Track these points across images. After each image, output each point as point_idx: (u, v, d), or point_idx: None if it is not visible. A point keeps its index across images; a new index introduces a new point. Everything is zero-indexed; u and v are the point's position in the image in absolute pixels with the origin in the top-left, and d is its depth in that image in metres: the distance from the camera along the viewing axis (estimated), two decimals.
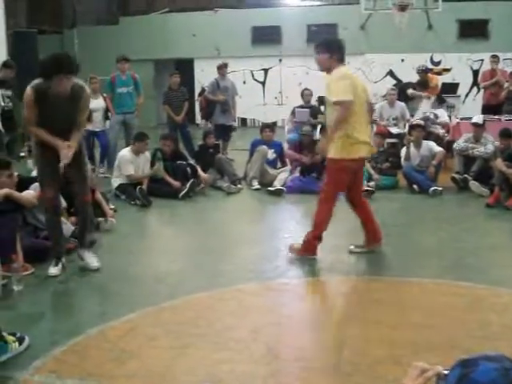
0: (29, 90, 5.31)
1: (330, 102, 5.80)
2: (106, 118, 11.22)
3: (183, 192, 8.89)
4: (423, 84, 12.59)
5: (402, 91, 12.84)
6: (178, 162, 9.55)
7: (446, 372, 1.33)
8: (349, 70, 6.12)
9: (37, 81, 5.34)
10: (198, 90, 20.24)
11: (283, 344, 4.22)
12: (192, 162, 10.00)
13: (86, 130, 11.04)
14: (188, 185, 8.96)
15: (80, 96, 5.43)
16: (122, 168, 8.96)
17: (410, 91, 12.48)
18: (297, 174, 9.70)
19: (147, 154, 9.22)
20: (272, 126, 10.75)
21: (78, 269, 5.69)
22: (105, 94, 11.18)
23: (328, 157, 5.92)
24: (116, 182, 9.04)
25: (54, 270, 5.52)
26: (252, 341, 4.14)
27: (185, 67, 19.98)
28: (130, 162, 8.94)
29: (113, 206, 7.89)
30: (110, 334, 4.27)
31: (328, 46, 6.03)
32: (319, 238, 6.00)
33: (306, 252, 5.96)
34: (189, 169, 9.48)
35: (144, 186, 8.82)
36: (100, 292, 5.26)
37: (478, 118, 9.99)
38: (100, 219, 7.10)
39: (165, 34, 21.19)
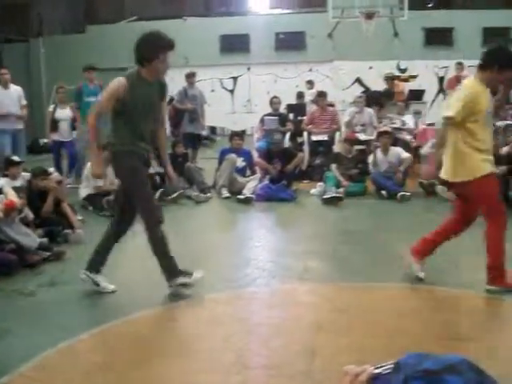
0: (118, 80, 4.99)
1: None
2: (73, 128, 11.10)
3: None
4: (389, 94, 12.73)
5: (371, 99, 12.95)
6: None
7: (377, 371, 1.32)
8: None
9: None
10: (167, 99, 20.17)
11: (253, 352, 4.21)
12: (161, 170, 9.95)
13: (53, 140, 11.03)
14: (157, 194, 8.91)
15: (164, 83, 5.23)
16: (90, 179, 8.87)
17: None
18: (266, 181, 9.72)
19: None
20: (241, 134, 10.77)
21: (46, 282, 5.62)
22: (71, 104, 11.07)
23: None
24: (84, 192, 8.95)
25: (200, 273, 5.20)
26: (222, 350, 4.13)
27: None
28: None
29: (81, 217, 7.81)
30: (79, 347, 4.22)
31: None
32: None
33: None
34: (158, 178, 9.44)
35: (112, 197, 8.72)
36: (68, 305, 5.16)
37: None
38: (67, 231, 7.03)
39: (133, 43, 21.01)
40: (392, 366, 1.30)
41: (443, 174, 5.38)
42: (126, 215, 5.42)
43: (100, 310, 4.93)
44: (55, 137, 11.01)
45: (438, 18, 20.23)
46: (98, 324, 4.56)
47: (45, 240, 6.55)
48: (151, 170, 9.86)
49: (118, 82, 4.99)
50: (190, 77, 12.56)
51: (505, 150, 8.99)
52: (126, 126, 5.04)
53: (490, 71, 5.21)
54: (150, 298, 5.17)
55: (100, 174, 5.52)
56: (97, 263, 5.35)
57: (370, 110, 11.94)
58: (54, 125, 10.98)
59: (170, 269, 5.17)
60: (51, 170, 10.55)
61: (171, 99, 12.65)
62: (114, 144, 5.13)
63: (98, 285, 5.29)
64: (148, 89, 5.09)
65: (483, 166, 5.21)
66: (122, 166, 5.14)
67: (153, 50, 4.96)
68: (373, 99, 12.80)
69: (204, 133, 13.09)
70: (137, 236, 5.75)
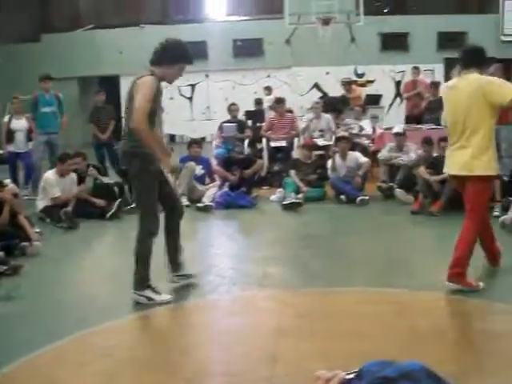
0: (151, 79, 5.05)
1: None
2: (29, 139, 10.95)
3: (111, 212, 8.77)
4: (344, 100, 12.87)
5: (328, 105, 13.04)
6: (106, 181, 9.44)
7: (348, 377, 1.33)
8: None
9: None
10: (124, 107, 20.01)
11: (216, 360, 4.20)
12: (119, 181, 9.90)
13: (9, 152, 10.87)
14: (115, 204, 8.83)
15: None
16: (47, 190, 8.76)
17: None
18: (225, 189, 9.71)
19: (73, 175, 9.04)
20: (200, 142, 10.74)
21: (2, 297, 5.51)
22: (27, 115, 10.92)
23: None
24: (41, 204, 8.81)
25: (167, 296, 5.27)
26: (185, 359, 4.11)
27: (111, 84, 19.78)
28: (55, 184, 8.74)
29: (38, 230, 7.69)
30: (38, 362, 4.13)
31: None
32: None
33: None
34: (116, 188, 9.37)
35: (70, 208, 8.64)
36: (26, 319, 5.06)
37: (398, 128, 10.25)
38: (24, 244, 6.91)
39: (90, 51, 20.96)
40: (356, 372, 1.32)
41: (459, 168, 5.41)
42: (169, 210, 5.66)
43: (60, 324, 4.83)
44: (11, 148, 10.86)
45: (394, 23, 20.50)
46: (59, 338, 4.47)
47: (1, 254, 6.43)
48: (110, 180, 9.83)
49: (151, 81, 5.06)
50: None
51: None
52: (152, 126, 5.11)
53: None
54: (113, 310, 5.11)
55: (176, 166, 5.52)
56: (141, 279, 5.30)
57: (327, 116, 12.01)
58: (10, 136, 10.83)
59: (142, 278, 5.23)
60: (7, 181, 10.41)
61: None
62: (140, 146, 5.08)
63: (151, 299, 5.20)
64: (161, 90, 5.29)
65: (495, 165, 5.36)
66: (147, 169, 5.17)
67: (180, 55, 5.28)
68: (330, 105, 12.90)
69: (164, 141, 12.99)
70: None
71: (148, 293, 5.19)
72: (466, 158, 5.25)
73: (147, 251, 5.27)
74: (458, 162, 5.36)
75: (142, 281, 5.23)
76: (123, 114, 5.40)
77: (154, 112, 5.09)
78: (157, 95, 5.11)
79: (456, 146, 5.38)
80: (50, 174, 8.97)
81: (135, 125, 4.97)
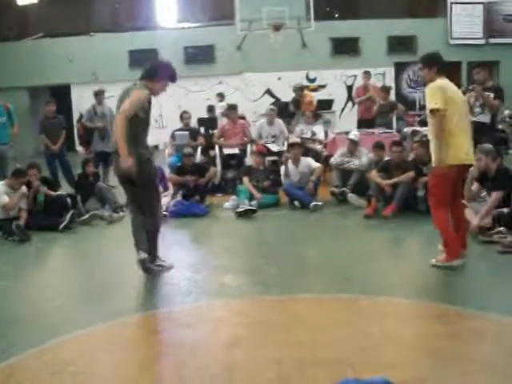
0: (145, 92, 5.88)
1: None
2: None
3: (63, 224, 8.62)
4: (296, 103, 12.94)
5: (282, 110, 13.09)
6: (58, 193, 9.31)
7: None
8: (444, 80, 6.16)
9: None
10: (76, 117, 19.80)
11: (171, 376, 4.15)
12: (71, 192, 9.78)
13: None
14: (68, 216, 8.70)
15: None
16: None
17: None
18: (179, 197, 9.65)
19: (24, 189, 8.86)
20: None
21: None
22: None
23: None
24: None
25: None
26: (139, 376, 4.06)
27: (62, 93, 19.58)
28: (3, 193, 8.55)
29: None
30: None
31: (424, 61, 6.23)
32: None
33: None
34: (68, 199, 9.24)
35: (22, 221, 8.48)
36: None
37: (354, 135, 10.27)
38: None
39: (40, 60, 20.73)
40: None
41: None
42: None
43: (12, 339, 4.72)
44: None
45: (345, 28, 20.75)
46: (11, 355, 4.36)
47: None
48: (62, 192, 9.70)
49: (144, 93, 5.88)
50: (99, 94, 12.36)
51: (411, 156, 9.25)
52: (144, 134, 6.04)
53: None
54: (64, 325, 5.00)
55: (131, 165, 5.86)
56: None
57: (280, 122, 12.05)
58: None
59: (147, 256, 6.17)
60: None
61: (81, 116, 12.48)
62: (139, 150, 5.91)
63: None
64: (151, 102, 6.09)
65: None
66: (146, 171, 6.03)
67: (165, 72, 6.15)
68: (281, 110, 12.95)
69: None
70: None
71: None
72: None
73: (143, 230, 6.23)
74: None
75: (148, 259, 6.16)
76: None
77: (145, 122, 5.99)
78: (148, 107, 5.97)
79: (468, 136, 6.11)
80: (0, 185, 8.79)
81: (116, 122, 5.78)
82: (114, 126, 5.93)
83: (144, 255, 6.09)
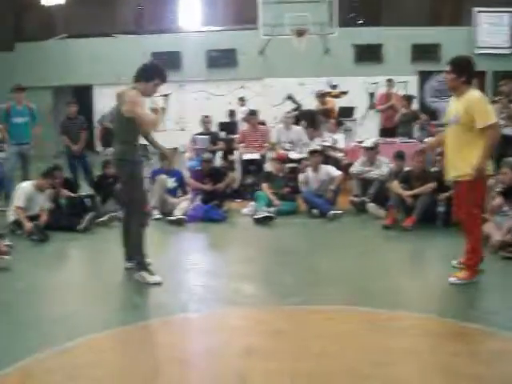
0: (135, 91, 6.09)
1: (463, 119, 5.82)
2: (0, 149, 10.79)
3: (82, 225, 8.64)
4: (326, 113, 12.81)
5: (303, 117, 12.97)
6: (77, 194, 9.35)
7: None
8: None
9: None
10: (97, 117, 19.86)
11: (185, 381, 4.13)
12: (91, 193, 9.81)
13: None
14: (87, 218, 8.71)
15: None
16: (16, 198, 8.62)
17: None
18: (198, 202, 9.64)
19: (48, 192, 8.91)
20: None
21: None
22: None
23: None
24: (12, 216, 8.65)
25: (157, 278, 6.19)
26: (153, 381, 4.04)
27: (84, 94, 19.66)
28: (25, 195, 8.59)
29: (8, 243, 7.54)
30: (5, 382, 4.03)
31: (455, 65, 5.96)
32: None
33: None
34: (88, 200, 9.27)
35: (41, 221, 8.51)
36: None
37: (369, 142, 10.23)
38: None
39: (63, 61, 20.82)
40: None
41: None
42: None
43: (30, 341, 4.73)
44: None
45: (368, 35, 20.64)
46: (28, 356, 4.37)
47: None
48: (82, 193, 9.73)
49: (136, 93, 6.12)
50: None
51: (433, 167, 9.15)
52: (137, 138, 6.37)
53: None
54: (81, 328, 5.01)
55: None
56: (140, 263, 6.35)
57: (298, 128, 12.00)
58: None
59: (139, 262, 6.30)
60: None
61: (102, 117, 12.52)
62: (130, 153, 6.24)
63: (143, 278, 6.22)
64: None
65: None
66: (136, 174, 6.32)
67: (155, 73, 6.33)
68: (305, 117, 12.85)
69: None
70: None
71: (143, 273, 6.21)
72: None
73: (140, 239, 6.32)
74: None
75: (139, 264, 6.29)
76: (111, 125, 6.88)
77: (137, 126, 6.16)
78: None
79: None
80: (27, 185, 8.85)
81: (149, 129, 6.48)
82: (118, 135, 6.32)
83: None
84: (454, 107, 6.02)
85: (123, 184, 6.47)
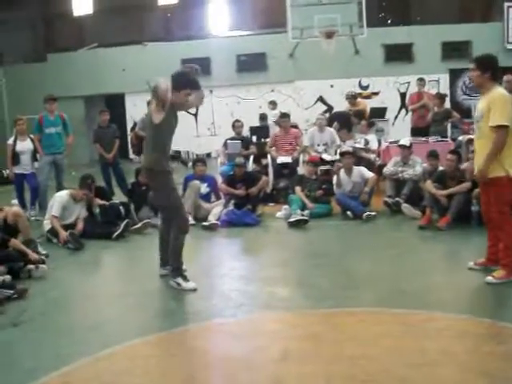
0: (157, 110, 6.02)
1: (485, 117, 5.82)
2: (35, 159, 10.93)
3: (117, 233, 8.72)
4: (359, 114, 12.74)
5: (337, 119, 12.91)
6: (111, 201, 9.43)
7: None
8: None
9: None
10: (130, 125, 20.06)
11: None
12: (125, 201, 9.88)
13: (15, 173, 10.86)
14: (122, 225, 8.78)
15: None
16: (52, 207, 8.74)
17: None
18: (231, 207, 9.65)
19: (83, 202, 9.03)
20: (204, 161, 10.68)
21: (8, 323, 5.45)
22: (32, 135, 10.91)
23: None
24: (48, 224, 8.76)
25: (192, 284, 6.21)
26: None
27: (116, 102, 19.87)
28: (61, 205, 8.71)
29: (44, 252, 7.64)
30: None
31: (479, 62, 5.96)
32: None
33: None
34: (122, 208, 9.34)
35: (77, 230, 8.62)
36: (31, 345, 5.01)
37: (405, 141, 10.18)
38: (30, 266, 6.87)
39: (94, 70, 21.08)
40: None
41: None
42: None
43: (66, 349, 4.78)
44: (17, 170, 10.84)
45: (398, 35, 20.53)
46: (65, 364, 4.42)
47: (8, 277, 6.41)
48: (116, 200, 9.81)
49: (156, 111, 6.11)
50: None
51: (465, 165, 9.03)
52: (167, 147, 6.34)
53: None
54: (117, 335, 5.06)
55: None
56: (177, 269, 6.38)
57: (331, 130, 11.97)
58: (16, 158, 10.81)
59: (176, 268, 6.34)
60: (14, 202, 10.44)
61: (134, 124, 12.62)
62: (158, 162, 6.18)
63: (179, 285, 6.24)
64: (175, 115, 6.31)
65: None
66: (166, 183, 6.25)
67: (185, 82, 6.16)
68: (338, 119, 12.80)
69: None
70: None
71: (179, 280, 6.23)
72: None
73: (180, 246, 6.35)
74: None
75: (175, 270, 6.31)
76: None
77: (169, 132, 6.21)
78: (172, 118, 6.19)
79: None
80: (62, 194, 8.98)
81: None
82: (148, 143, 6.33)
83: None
84: (480, 105, 5.99)
85: (155, 193, 6.58)
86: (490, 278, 5.87)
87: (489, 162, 5.75)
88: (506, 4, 20.36)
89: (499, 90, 5.84)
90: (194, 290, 6.12)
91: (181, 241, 6.32)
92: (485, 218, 6.27)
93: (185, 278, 6.24)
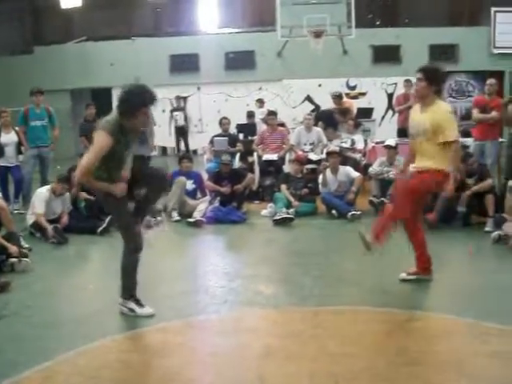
0: (104, 134, 4.94)
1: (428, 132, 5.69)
2: (19, 152, 10.86)
3: (102, 227, 8.70)
4: (343, 112, 12.77)
5: (328, 118, 12.93)
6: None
7: None
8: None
9: (110, 119, 5.08)
10: None
11: (204, 383, 4.14)
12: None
13: None
14: (107, 220, 8.75)
15: None
16: (35, 205, 8.69)
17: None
18: (216, 204, 9.66)
19: (66, 195, 8.97)
20: (190, 157, 10.67)
21: None
22: (17, 128, 10.84)
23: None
24: (31, 219, 8.70)
25: (150, 310, 5.40)
26: (173, 382, 4.05)
27: (103, 96, 19.75)
28: (43, 201, 8.66)
29: (27, 245, 7.60)
30: None
31: (427, 73, 5.72)
32: None
33: None
34: None
35: (61, 224, 8.59)
36: (12, 339, 4.94)
37: (391, 141, 10.24)
38: (13, 260, 6.84)
39: (82, 63, 20.95)
40: None
41: None
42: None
43: (49, 343, 4.77)
44: (1, 162, 10.75)
45: (386, 36, 20.60)
46: (48, 358, 4.40)
47: None
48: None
49: (104, 139, 4.97)
50: None
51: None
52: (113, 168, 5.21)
53: None
54: (100, 329, 5.05)
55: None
56: (125, 288, 5.51)
57: (318, 129, 11.99)
58: (0, 150, 10.73)
59: (127, 289, 5.47)
60: None
61: None
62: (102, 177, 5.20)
63: (132, 311, 5.41)
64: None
65: None
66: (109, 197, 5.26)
67: (133, 107, 5.03)
68: (325, 118, 12.83)
69: (154, 153, 13.00)
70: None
71: (131, 304, 5.42)
72: None
73: (132, 265, 5.46)
74: None
75: (126, 292, 5.47)
76: None
77: (116, 154, 5.10)
78: (123, 137, 5.10)
79: None
80: (43, 190, 8.90)
81: (77, 178, 5.22)
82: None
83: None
84: (418, 119, 5.84)
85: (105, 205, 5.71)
86: (403, 274, 6.11)
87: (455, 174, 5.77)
88: (494, 9, 20.48)
89: (445, 106, 5.77)
90: (151, 316, 5.34)
91: (132, 259, 5.47)
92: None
93: (138, 302, 5.43)
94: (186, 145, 18.04)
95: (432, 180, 5.76)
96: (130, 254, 5.44)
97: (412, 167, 6.10)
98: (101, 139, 4.98)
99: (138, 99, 5.03)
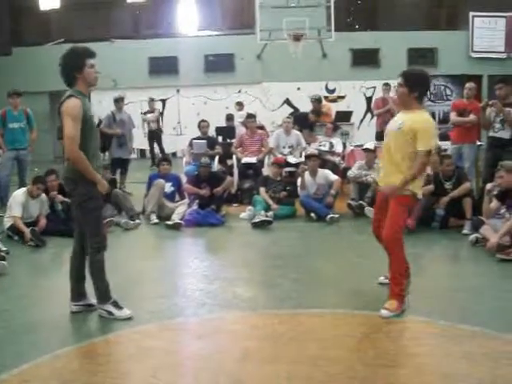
0: (75, 100, 4.99)
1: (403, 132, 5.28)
2: None
3: None
4: (316, 112, 12.84)
5: (303, 120, 12.98)
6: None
7: None
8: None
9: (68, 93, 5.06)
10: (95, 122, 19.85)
11: None
12: None
13: None
14: None
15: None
16: (13, 209, 8.61)
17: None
18: (195, 206, 9.63)
19: (43, 197, 8.90)
20: (169, 160, 10.64)
21: None
22: None
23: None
24: (8, 221, 8.63)
25: (127, 312, 5.34)
26: None
27: None
28: (19, 204, 8.59)
29: (4, 248, 7.53)
30: None
31: (408, 79, 5.34)
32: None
33: None
34: None
35: (38, 227, 8.52)
36: None
37: (369, 144, 10.29)
38: None
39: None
40: None
41: None
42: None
43: (27, 346, 4.73)
44: None
45: (365, 40, 20.72)
46: (25, 362, 4.38)
47: None
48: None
49: (74, 103, 5.02)
50: (119, 101, 12.44)
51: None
52: (83, 149, 5.08)
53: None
54: (77, 333, 5.05)
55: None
56: (101, 292, 5.41)
57: (297, 132, 12.01)
58: None
59: (102, 292, 5.39)
60: None
61: (99, 122, 12.52)
62: (73, 169, 5.13)
63: (111, 314, 5.35)
64: (89, 104, 5.27)
65: None
66: (80, 191, 5.15)
67: (79, 58, 5.20)
68: (302, 121, 12.87)
69: (132, 156, 12.94)
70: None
71: (109, 307, 5.36)
72: None
73: (100, 265, 5.37)
74: None
75: (102, 295, 5.39)
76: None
77: (88, 135, 5.12)
78: (85, 113, 5.09)
79: None
80: (19, 192, 8.82)
81: (67, 155, 5.09)
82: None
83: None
84: (397, 118, 5.52)
85: (77, 205, 5.29)
86: (385, 312, 5.27)
87: (408, 182, 5.32)
88: (472, 13, 20.69)
89: (426, 116, 5.38)
90: (130, 318, 5.30)
91: (100, 260, 5.33)
92: (376, 234, 5.93)
93: (116, 305, 5.37)
94: (161, 149, 17.62)
95: (406, 205, 5.58)
96: (95, 254, 5.30)
97: (379, 179, 5.90)
98: (71, 104, 5.01)
99: (78, 53, 5.28)
